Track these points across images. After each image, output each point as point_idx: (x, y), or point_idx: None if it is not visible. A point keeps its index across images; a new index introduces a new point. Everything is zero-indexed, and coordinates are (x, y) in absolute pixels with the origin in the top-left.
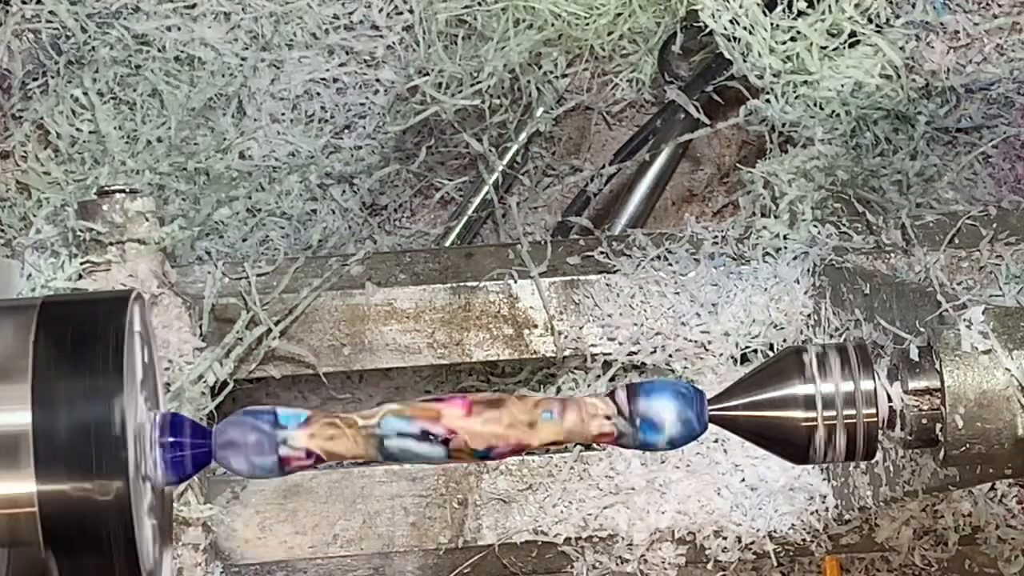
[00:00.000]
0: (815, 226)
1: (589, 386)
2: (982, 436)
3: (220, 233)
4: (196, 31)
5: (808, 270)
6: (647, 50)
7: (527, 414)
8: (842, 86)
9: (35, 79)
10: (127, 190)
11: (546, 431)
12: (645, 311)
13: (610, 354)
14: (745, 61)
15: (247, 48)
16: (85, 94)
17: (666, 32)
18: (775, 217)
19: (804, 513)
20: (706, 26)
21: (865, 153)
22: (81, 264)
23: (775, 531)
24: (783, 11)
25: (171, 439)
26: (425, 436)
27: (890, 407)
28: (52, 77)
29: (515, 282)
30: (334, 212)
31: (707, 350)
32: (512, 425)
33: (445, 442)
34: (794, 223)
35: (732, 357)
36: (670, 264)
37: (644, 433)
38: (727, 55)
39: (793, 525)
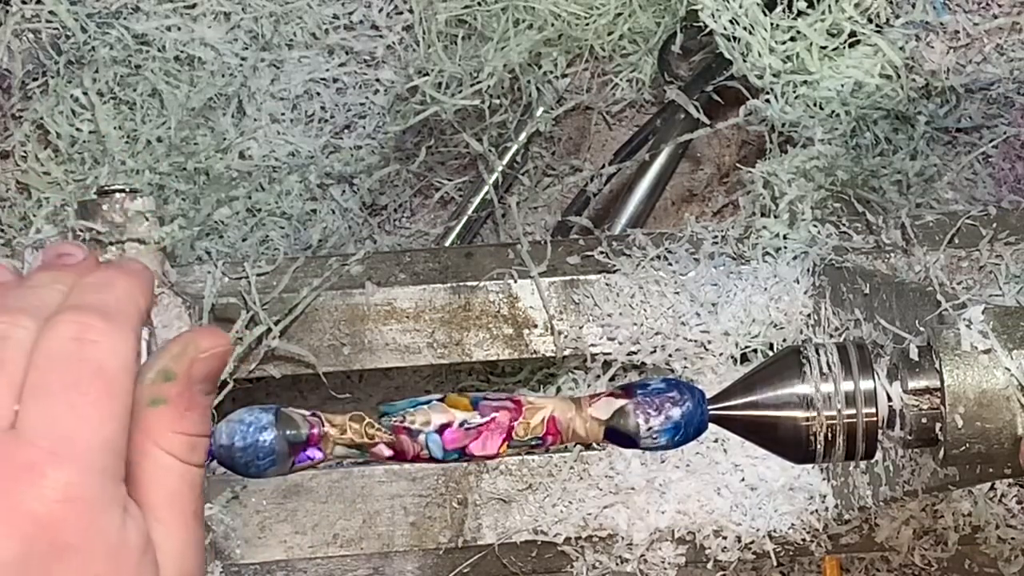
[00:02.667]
0: (815, 226)
1: (589, 386)
2: (982, 436)
3: (220, 233)
4: (196, 31)
5: (808, 270)
6: (647, 50)
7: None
8: (842, 86)
9: (35, 79)
10: (127, 190)
11: (545, 399)
12: (645, 311)
13: (610, 354)
14: (745, 61)
15: (247, 48)
16: (85, 94)
17: (666, 32)
18: (775, 217)
19: (804, 513)
20: (706, 26)
21: (865, 153)
22: None
23: (775, 531)
24: (783, 11)
25: None
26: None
27: (890, 406)
28: (52, 77)
29: (515, 282)
30: (334, 212)
31: (707, 350)
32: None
33: (442, 400)
34: (794, 223)
35: (732, 357)
36: (670, 264)
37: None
38: (727, 55)
39: (793, 525)
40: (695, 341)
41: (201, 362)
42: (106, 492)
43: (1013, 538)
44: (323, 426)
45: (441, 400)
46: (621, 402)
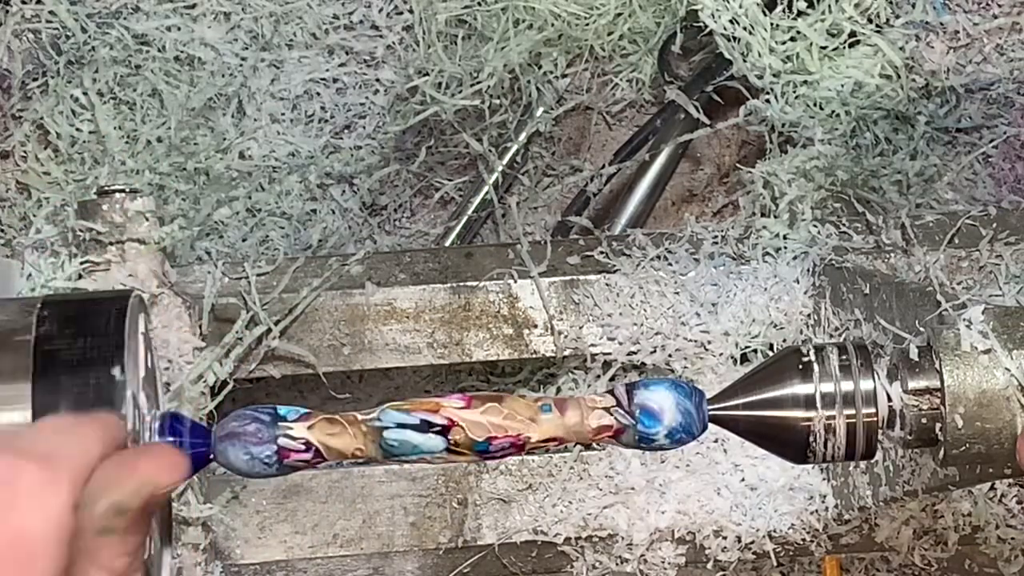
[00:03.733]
0: (815, 226)
1: (589, 386)
2: (982, 436)
3: (220, 233)
4: (196, 31)
5: (808, 270)
6: (647, 50)
7: (526, 408)
8: (842, 86)
9: (35, 79)
10: (127, 190)
11: (546, 425)
12: (645, 311)
13: (610, 354)
14: (745, 61)
15: (247, 48)
16: (85, 94)
17: (666, 32)
18: (775, 217)
19: (804, 513)
20: (706, 26)
21: (865, 153)
22: (81, 264)
23: (775, 531)
24: (783, 11)
25: (171, 438)
26: (425, 427)
27: (890, 407)
28: (52, 77)
29: (515, 282)
30: (334, 212)
31: (707, 350)
32: (511, 417)
33: (444, 432)
34: (794, 223)
35: (732, 357)
36: (670, 264)
37: (643, 424)
38: (727, 55)
39: (793, 525)
40: (695, 341)
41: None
42: None
43: (1013, 538)
44: (322, 437)
45: (446, 450)
46: (621, 410)
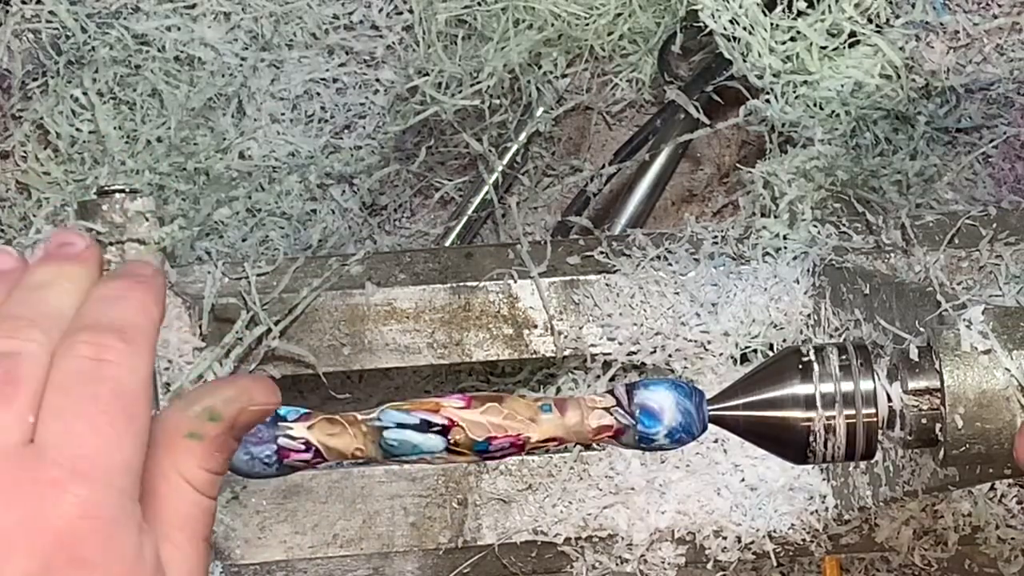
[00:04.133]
0: (815, 226)
1: (589, 386)
2: (982, 436)
3: (220, 233)
4: (196, 31)
5: (808, 270)
6: (647, 50)
7: (526, 408)
8: (842, 86)
9: (35, 79)
10: (127, 190)
11: (546, 425)
12: (645, 311)
13: (610, 354)
14: (745, 61)
15: (247, 48)
16: (85, 94)
17: (666, 32)
18: (775, 217)
19: (804, 513)
20: (706, 26)
21: (865, 153)
22: None
23: (775, 531)
24: (783, 11)
25: None
26: (425, 427)
27: (890, 407)
28: (52, 77)
29: (515, 282)
30: (334, 212)
31: (707, 350)
32: (511, 417)
33: (444, 432)
34: (794, 223)
35: (732, 357)
36: (670, 264)
37: (643, 424)
38: (727, 55)
39: (793, 525)
40: (695, 341)
41: (250, 413)
42: (124, 510)
43: (1013, 538)
44: (322, 437)
45: (446, 450)
46: (621, 410)
